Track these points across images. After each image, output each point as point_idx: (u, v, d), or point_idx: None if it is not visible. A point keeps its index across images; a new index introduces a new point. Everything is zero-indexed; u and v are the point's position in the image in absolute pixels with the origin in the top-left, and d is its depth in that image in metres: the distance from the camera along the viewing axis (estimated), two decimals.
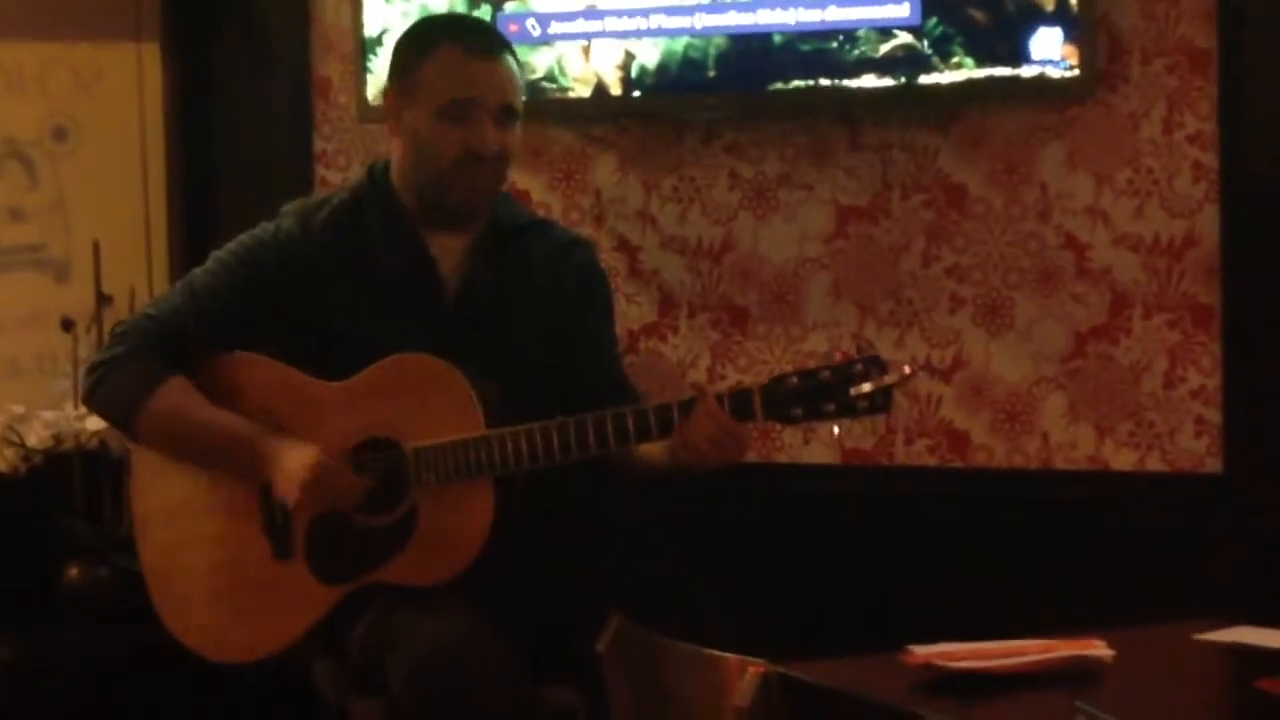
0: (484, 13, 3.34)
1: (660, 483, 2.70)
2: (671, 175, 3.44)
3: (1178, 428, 3.17)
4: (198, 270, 2.77)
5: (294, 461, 2.60)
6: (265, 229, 2.76)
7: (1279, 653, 2.10)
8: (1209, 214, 3.14)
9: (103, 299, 3.47)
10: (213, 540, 2.73)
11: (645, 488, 2.74)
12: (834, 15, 3.18)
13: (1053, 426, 3.24)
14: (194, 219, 3.75)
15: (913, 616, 3.20)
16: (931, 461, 3.31)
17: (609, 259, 3.37)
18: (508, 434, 2.55)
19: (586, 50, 3.32)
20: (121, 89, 3.70)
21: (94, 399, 2.75)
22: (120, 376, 2.70)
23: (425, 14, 3.34)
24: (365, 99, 3.43)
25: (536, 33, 3.33)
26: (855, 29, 3.17)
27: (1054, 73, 3.10)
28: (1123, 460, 3.20)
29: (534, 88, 3.29)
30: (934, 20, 3.13)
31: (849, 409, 2.47)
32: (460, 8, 3.38)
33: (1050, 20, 3.09)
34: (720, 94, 3.27)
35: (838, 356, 2.48)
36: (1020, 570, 3.20)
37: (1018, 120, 3.23)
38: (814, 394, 2.47)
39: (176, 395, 2.68)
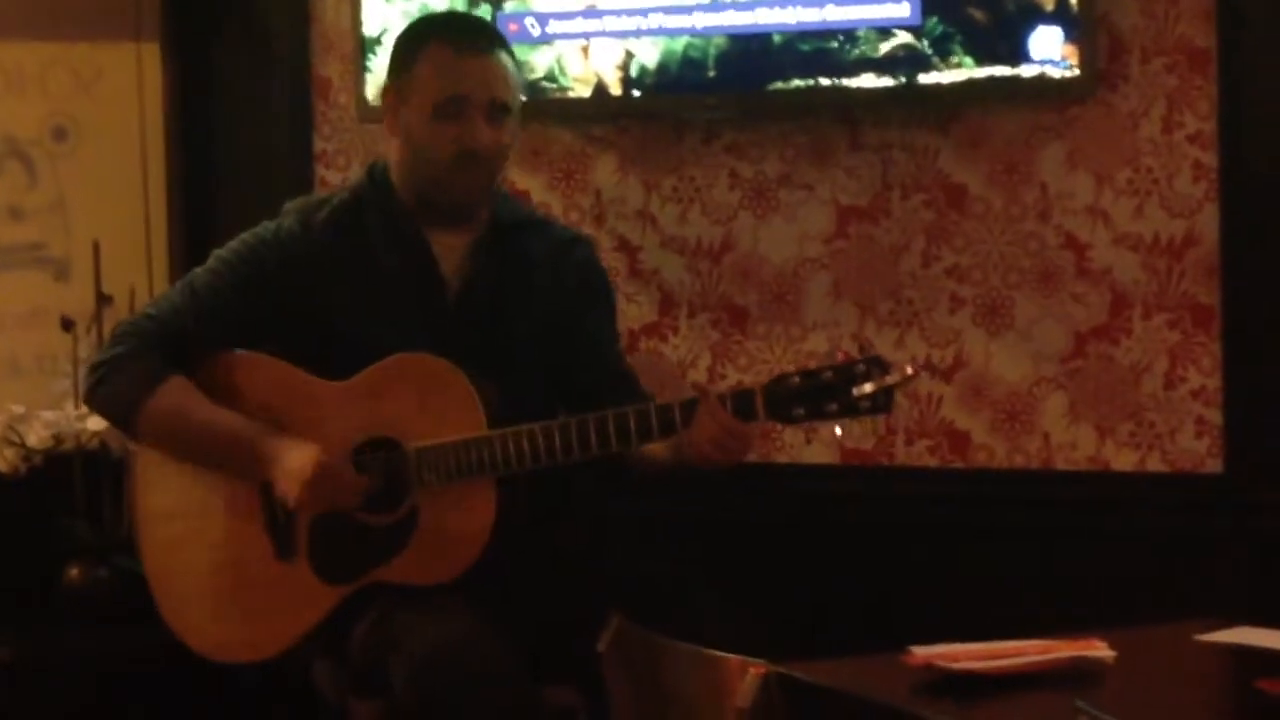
0: (484, 12, 3.34)
1: (665, 480, 2.70)
2: (671, 175, 3.44)
3: (1178, 428, 3.17)
4: (198, 269, 2.77)
5: (295, 461, 2.60)
6: (266, 228, 2.76)
7: (1279, 653, 2.10)
8: (1209, 214, 3.14)
9: (103, 299, 3.47)
10: (214, 540, 2.72)
11: (650, 485, 2.74)
12: (834, 15, 3.18)
13: (1053, 427, 3.24)
14: (194, 219, 3.74)
15: (913, 617, 3.20)
16: (932, 462, 3.31)
17: (609, 259, 3.36)
18: (509, 434, 2.55)
19: (586, 50, 3.32)
20: (121, 89, 3.70)
21: (95, 398, 2.75)
22: (121, 376, 2.69)
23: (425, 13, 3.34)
24: (365, 99, 3.42)
25: (536, 32, 3.33)
26: (855, 29, 3.17)
27: (1054, 72, 3.10)
28: (1123, 460, 3.20)
29: (534, 88, 3.29)
30: (934, 20, 3.13)
31: (851, 409, 2.47)
32: (460, 7, 3.38)
33: (1050, 20, 3.09)
34: (720, 94, 3.27)
35: (839, 357, 2.48)
36: (1020, 570, 3.20)
37: (1018, 120, 3.23)
38: (816, 394, 2.47)
39: (177, 394, 2.68)
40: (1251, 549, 3.10)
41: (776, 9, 3.20)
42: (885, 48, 3.16)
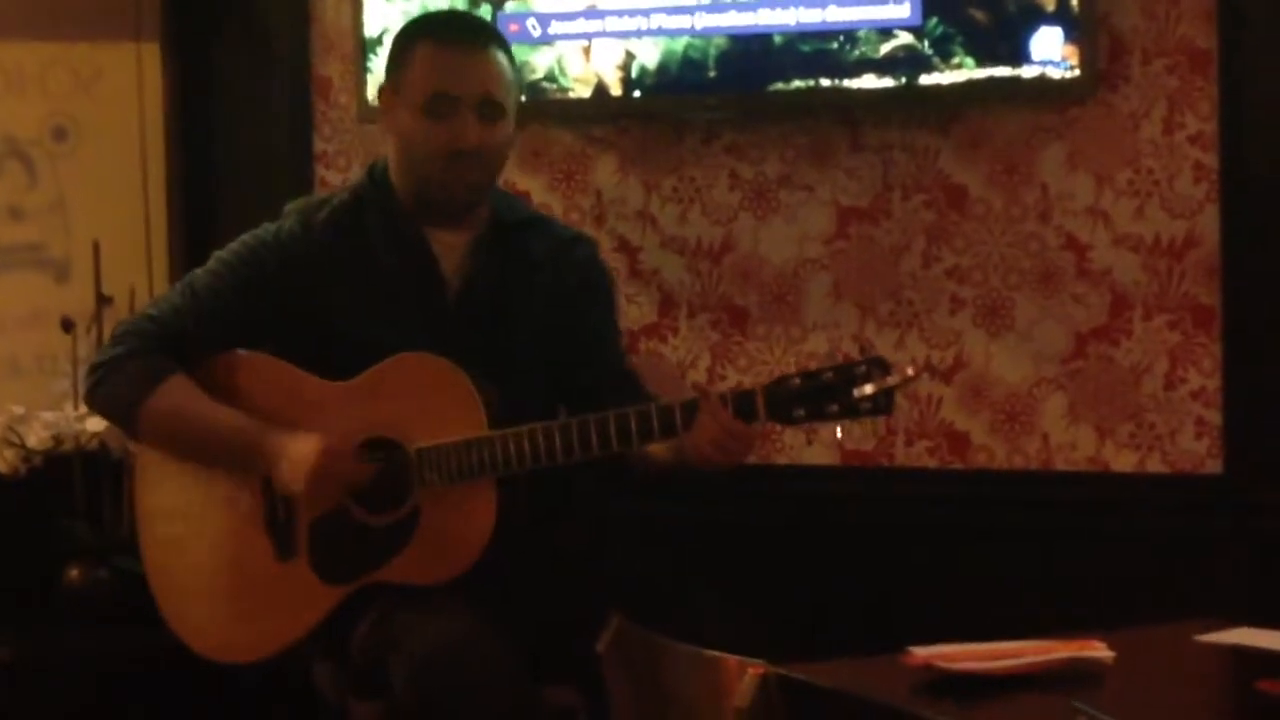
0: (484, 12, 3.34)
1: (665, 481, 2.69)
2: (671, 175, 3.44)
3: (1178, 429, 3.17)
4: (198, 270, 2.77)
5: (299, 450, 2.59)
6: (267, 229, 2.76)
7: (1279, 654, 2.10)
8: (1209, 214, 3.14)
9: (103, 299, 3.47)
10: (215, 540, 2.72)
11: (651, 486, 2.73)
12: (834, 15, 3.18)
13: (1053, 427, 3.24)
14: (194, 219, 3.74)
15: (913, 617, 3.20)
16: (932, 463, 3.31)
17: (609, 260, 3.35)
18: (510, 434, 2.55)
19: (587, 50, 3.32)
20: (121, 89, 3.70)
21: (95, 399, 2.75)
22: (120, 376, 2.69)
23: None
24: (365, 99, 3.42)
25: (537, 33, 3.33)
26: (855, 29, 3.17)
27: (1054, 73, 3.10)
28: (1123, 461, 3.20)
29: (534, 88, 3.29)
30: (934, 20, 3.13)
31: (852, 410, 2.46)
32: (461, 7, 3.38)
33: (1051, 20, 3.09)
34: (720, 94, 3.27)
35: (840, 358, 2.48)
36: (1020, 571, 3.20)
37: (1018, 121, 3.23)
38: (817, 395, 2.46)
39: (177, 393, 2.68)
40: (1251, 549, 3.10)
41: (777, 10, 3.20)
42: (886, 48, 3.16)
